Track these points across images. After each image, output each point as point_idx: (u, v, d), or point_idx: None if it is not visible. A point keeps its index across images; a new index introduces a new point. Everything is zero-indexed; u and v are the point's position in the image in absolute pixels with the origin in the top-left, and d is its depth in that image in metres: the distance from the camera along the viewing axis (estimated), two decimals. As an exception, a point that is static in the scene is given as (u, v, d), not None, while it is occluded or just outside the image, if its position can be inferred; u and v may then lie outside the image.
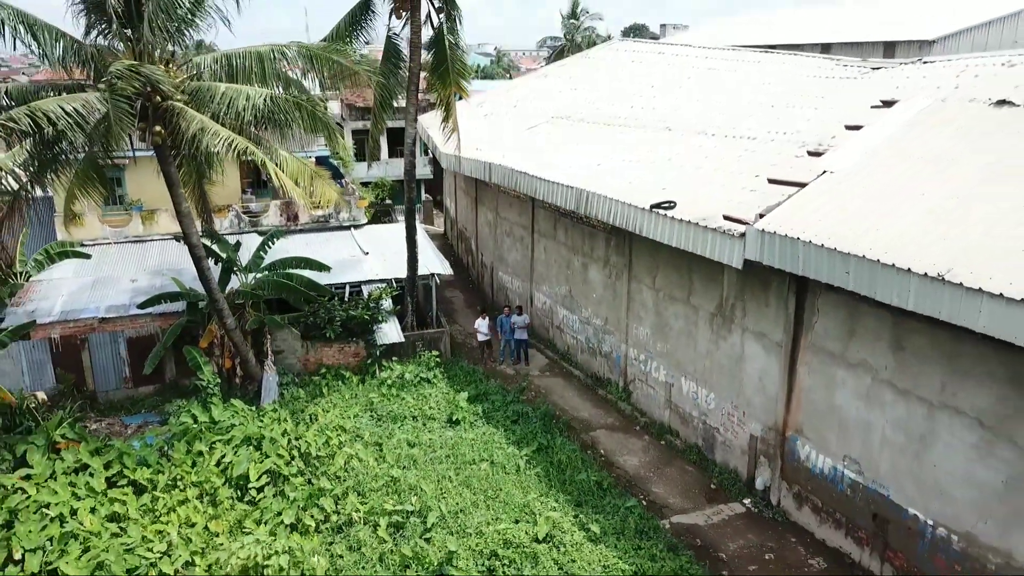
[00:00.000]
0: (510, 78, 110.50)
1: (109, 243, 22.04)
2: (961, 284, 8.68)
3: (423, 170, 36.05)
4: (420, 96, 19.66)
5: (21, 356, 17.61)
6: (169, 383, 18.87)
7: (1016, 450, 9.43)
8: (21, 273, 19.43)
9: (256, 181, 25.75)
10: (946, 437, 10.31)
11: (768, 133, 16.90)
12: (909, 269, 9.31)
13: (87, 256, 20.26)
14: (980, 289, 8.50)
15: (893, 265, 9.52)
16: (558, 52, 70.52)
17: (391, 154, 36.34)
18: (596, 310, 18.76)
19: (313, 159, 25.06)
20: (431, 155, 32.22)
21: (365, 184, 33.47)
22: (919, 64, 18.57)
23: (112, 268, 20.66)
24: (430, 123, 26.07)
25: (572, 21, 71.29)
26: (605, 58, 30.65)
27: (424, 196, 38.37)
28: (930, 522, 10.68)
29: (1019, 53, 17.03)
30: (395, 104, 20.43)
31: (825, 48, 47.39)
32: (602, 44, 35.92)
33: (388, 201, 34.71)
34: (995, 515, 9.78)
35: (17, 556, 11.25)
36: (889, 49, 42.61)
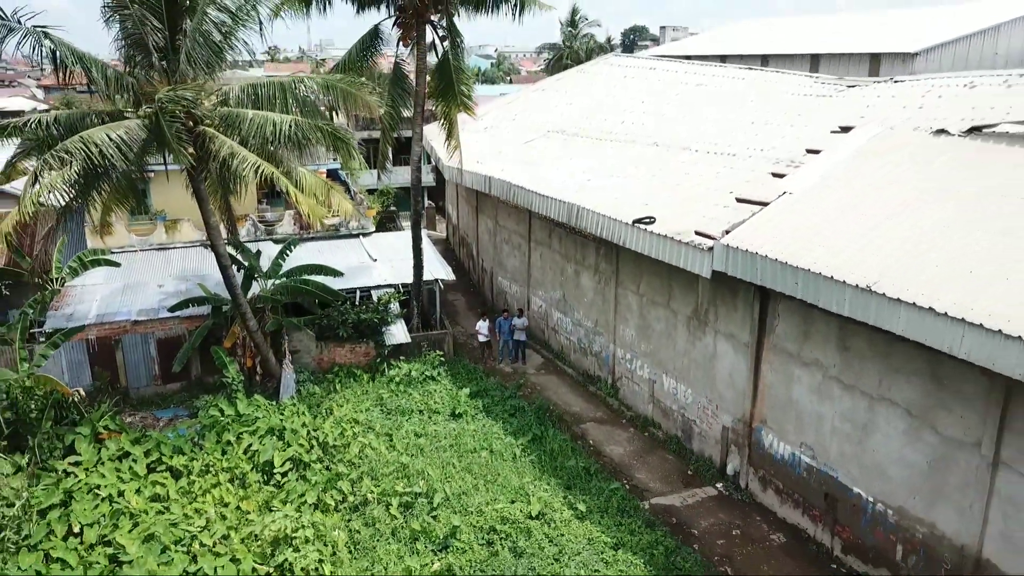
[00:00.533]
0: (510, 82, 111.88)
1: (135, 250, 23.65)
2: (884, 294, 10.31)
3: (426, 177, 37.61)
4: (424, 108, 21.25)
5: (61, 355, 19.21)
6: (195, 380, 20.49)
7: (937, 436, 11.05)
8: (57, 279, 21.05)
9: (271, 192, 27.36)
10: (883, 426, 11.93)
11: (747, 150, 18.49)
12: (844, 281, 10.94)
13: (117, 263, 21.81)
14: (899, 299, 10.13)
15: (832, 277, 11.15)
16: (557, 58, 71.74)
17: (395, 162, 37.88)
18: (587, 313, 20.39)
19: (324, 171, 26.67)
20: (433, 163, 33.82)
21: (371, 192, 35.09)
22: (890, 83, 20.19)
23: (140, 274, 22.28)
24: (433, 134, 27.67)
25: (570, 29, 72.58)
26: (600, 72, 32.24)
27: (427, 202, 39.99)
28: (871, 499, 12.30)
29: (981, 74, 18.71)
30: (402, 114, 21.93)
31: (815, 59, 48.98)
32: (597, 59, 37.44)
33: (393, 208, 36.34)
34: (921, 492, 11.40)
35: (76, 529, 12.91)
36: (875, 61, 44.17)
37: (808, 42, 51.38)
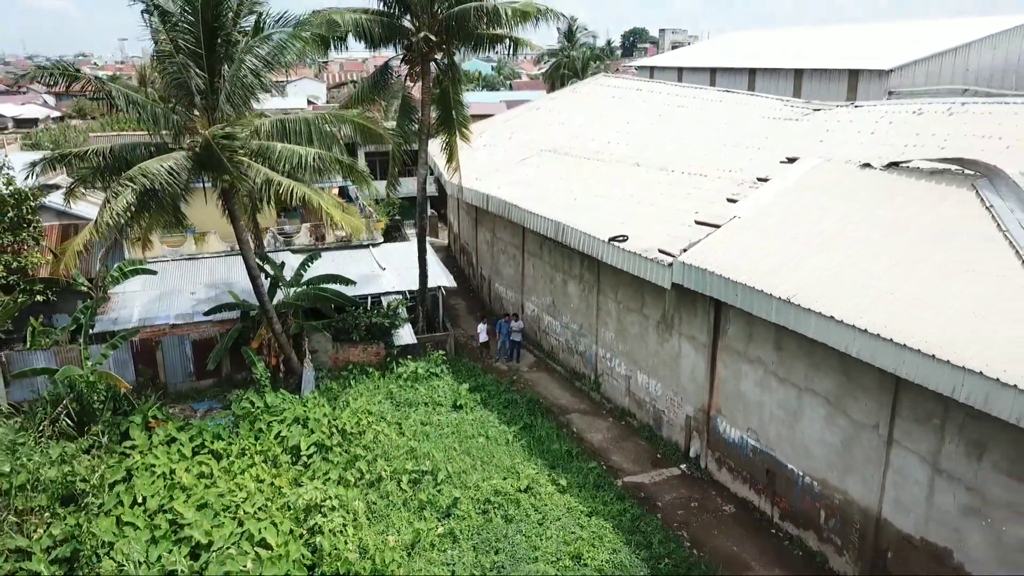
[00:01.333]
0: (511, 87, 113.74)
1: (167, 260, 26.20)
2: (799, 305, 12.85)
3: (430, 188, 40.06)
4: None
5: (109, 355, 21.75)
6: (225, 377, 23.02)
7: (847, 419, 13.57)
8: (101, 287, 23.64)
9: (288, 207, 29.92)
10: (809, 412, 14.46)
11: (717, 171, 21.01)
12: (771, 294, 13.47)
13: (154, 272, 24.44)
14: (809, 309, 12.66)
15: (762, 291, 13.68)
16: (556, 67, 73.83)
17: (401, 174, 40.45)
18: (573, 317, 22.92)
19: (336, 189, 29.23)
20: (436, 176, 36.31)
21: (377, 201, 37.61)
22: (851, 108, 22.78)
23: (173, 282, 24.82)
24: (437, 151, 30.21)
25: (566, 41, 74.71)
26: (590, 93, 34.77)
27: (430, 211, 42.54)
28: (801, 473, 14.83)
29: (929, 102, 21.34)
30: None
31: (798, 74, 51.53)
32: (588, 79, 39.88)
33: (398, 217, 38.86)
34: (837, 466, 13.92)
35: (139, 500, 15.46)
36: (853, 76, 46.69)
37: (793, 58, 53.78)
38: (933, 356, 10.76)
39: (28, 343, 22.00)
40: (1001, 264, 11.99)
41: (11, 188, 23.31)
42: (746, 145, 22.56)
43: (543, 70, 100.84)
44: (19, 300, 21.85)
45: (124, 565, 13.25)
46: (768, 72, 54.31)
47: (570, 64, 70.68)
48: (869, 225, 14.50)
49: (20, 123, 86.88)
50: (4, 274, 22.55)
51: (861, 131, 20.37)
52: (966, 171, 14.77)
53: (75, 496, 15.30)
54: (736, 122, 24.83)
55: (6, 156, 26.47)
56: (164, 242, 26.43)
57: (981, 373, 10.14)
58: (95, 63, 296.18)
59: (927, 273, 12.52)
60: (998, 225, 12.84)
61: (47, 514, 14.64)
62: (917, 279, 12.43)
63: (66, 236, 26.85)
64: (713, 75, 60.56)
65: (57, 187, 31.75)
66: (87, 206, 24.66)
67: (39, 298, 22.96)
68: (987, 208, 13.42)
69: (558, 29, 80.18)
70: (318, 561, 13.82)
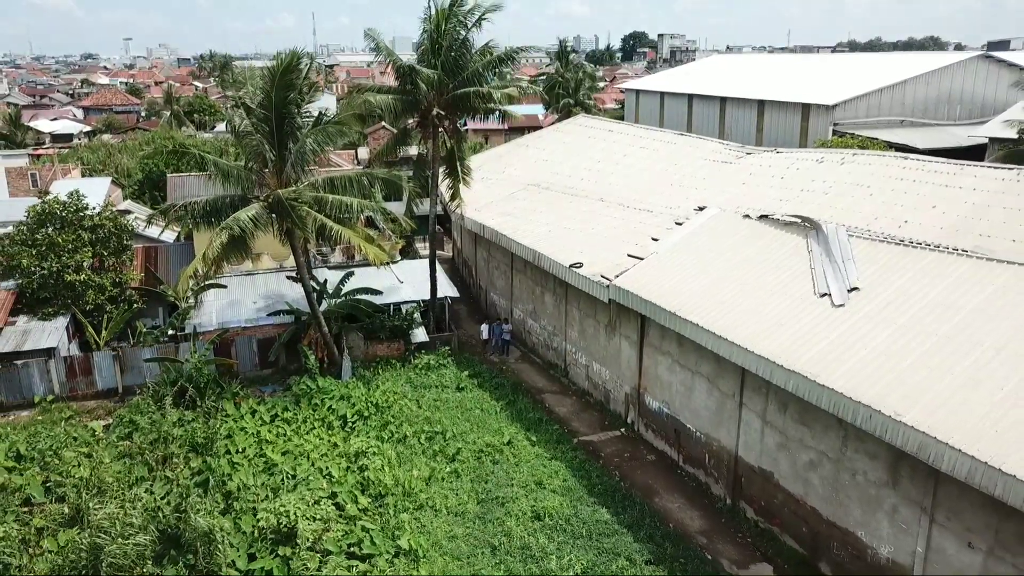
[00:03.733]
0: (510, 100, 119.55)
1: (231, 276, 33.16)
2: (678, 315, 19.75)
3: (438, 208, 47.03)
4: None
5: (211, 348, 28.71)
6: (281, 367, 29.96)
7: (719, 392, 20.43)
8: (186, 298, 30.63)
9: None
10: (698, 387, 21.32)
11: (660, 207, 27.86)
12: (664, 307, 20.37)
13: (224, 286, 31.41)
14: (686, 318, 19.57)
15: (660, 305, 20.58)
16: (550, 87, 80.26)
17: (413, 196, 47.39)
18: (549, 321, 29.81)
19: (364, 219, 36.05)
20: (442, 203, 43.14)
21: (394, 220, 44.47)
22: (772, 153, 29.73)
23: (238, 294, 31.78)
24: (443, 181, 37.06)
25: (559, 63, 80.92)
26: (571, 132, 41.70)
27: (438, 227, 49.42)
28: (694, 429, 21.71)
29: (831, 151, 28.34)
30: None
31: (761, 104, 58.52)
32: (570, 120, 46.66)
33: (409, 234, 45.77)
34: (714, 423, 20.80)
35: (240, 449, 22.42)
36: (805, 109, 53.69)
37: (757, 88, 60.58)
38: (750, 350, 17.65)
39: (134, 341, 29.03)
40: (803, 290, 18.87)
41: (115, 219, 30.35)
42: (687, 184, 29.48)
43: (544, 70, 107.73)
44: (131, 309, 28.91)
45: (241, 487, 20.18)
46: (736, 101, 61.21)
47: (564, 85, 77.14)
48: (733, 259, 21.40)
49: (56, 138, 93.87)
50: (111, 288, 29.59)
51: (774, 175, 27.29)
52: (804, 224, 21.64)
53: (196, 447, 22.27)
54: (683, 162, 31.73)
55: (109, 196, 33.68)
56: (229, 262, 33.34)
57: (770, 360, 17.04)
58: (106, 67, 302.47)
59: (758, 294, 19.42)
60: (810, 264, 19.72)
61: (181, 458, 21.61)
62: (752, 298, 19.34)
63: (147, 255, 34.04)
64: (691, 101, 67.49)
65: (128, 212, 38.91)
66: (155, 230, 32.21)
67: (136, 306, 30.03)
68: (808, 252, 20.30)
69: (547, 53, 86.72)
70: (366, 486, 20.75)
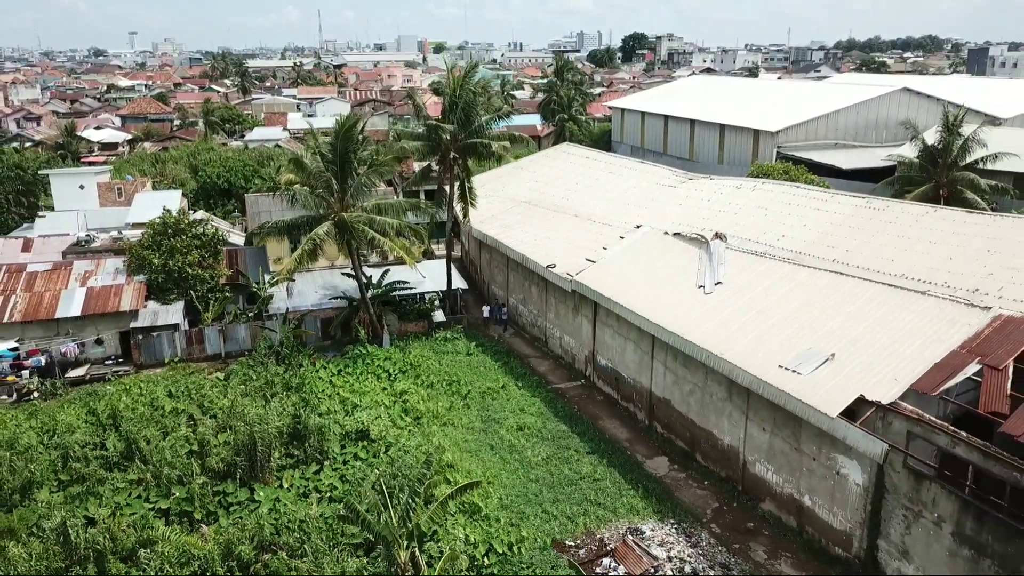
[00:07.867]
0: (513, 103, 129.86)
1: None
2: (612, 299, 30.36)
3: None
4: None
5: (276, 325, 39.31)
6: (336, 340, 40.55)
7: (640, 350, 30.99)
8: (265, 288, 41.27)
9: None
10: (629, 348, 31.89)
11: (617, 222, 38.46)
12: (606, 295, 30.96)
13: (293, 279, 42.00)
14: (615, 300, 30.16)
15: (601, 293, 31.17)
16: (546, 103, 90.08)
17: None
18: (535, 306, 40.39)
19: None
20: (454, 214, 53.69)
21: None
22: (707, 180, 40.44)
23: (301, 285, 42.40)
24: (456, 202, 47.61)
25: (556, 79, 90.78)
26: (558, 157, 52.29)
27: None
28: (627, 376, 32.29)
29: (746, 180, 39.04)
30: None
31: (723, 128, 69.03)
32: (557, 147, 57.17)
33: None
34: (638, 371, 31.39)
35: (320, 391, 33.08)
36: (756, 134, 64.13)
37: (720, 113, 70.95)
38: (655, 323, 28.20)
39: (229, 319, 39.72)
40: (690, 284, 29.44)
41: (215, 231, 41.04)
42: (638, 204, 40.11)
43: (544, 72, 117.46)
44: (226, 296, 39.67)
45: (327, 414, 30.75)
46: (703, 124, 71.74)
47: (559, 101, 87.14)
48: (652, 263, 31.98)
49: (103, 147, 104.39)
50: (211, 280, 40.29)
51: (703, 198, 37.91)
52: (700, 239, 32.17)
53: (291, 388, 32.91)
54: (642, 185, 42.33)
55: (182, 206, 44.47)
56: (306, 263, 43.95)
57: (666, 328, 27.62)
58: (119, 65, 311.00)
59: (665, 286, 30.01)
60: (697, 268, 30.28)
61: (282, 395, 32.23)
62: (660, 289, 29.92)
63: (230, 257, 44.69)
64: (666, 121, 78.00)
65: (204, 220, 49.48)
66: (238, 238, 42.98)
67: (228, 295, 40.77)
68: (699, 259, 30.86)
69: (545, 71, 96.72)
70: (408, 411, 31.34)
